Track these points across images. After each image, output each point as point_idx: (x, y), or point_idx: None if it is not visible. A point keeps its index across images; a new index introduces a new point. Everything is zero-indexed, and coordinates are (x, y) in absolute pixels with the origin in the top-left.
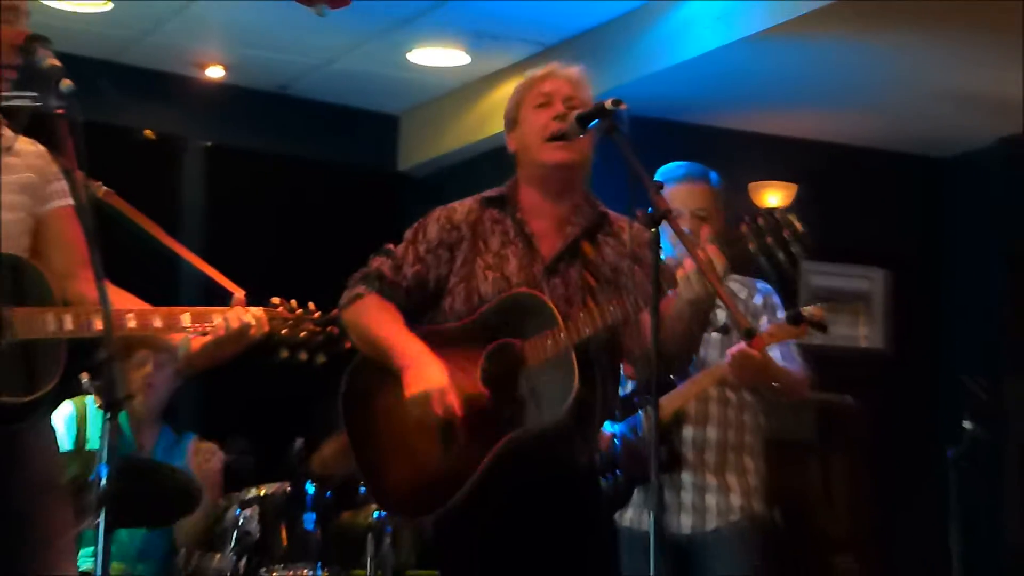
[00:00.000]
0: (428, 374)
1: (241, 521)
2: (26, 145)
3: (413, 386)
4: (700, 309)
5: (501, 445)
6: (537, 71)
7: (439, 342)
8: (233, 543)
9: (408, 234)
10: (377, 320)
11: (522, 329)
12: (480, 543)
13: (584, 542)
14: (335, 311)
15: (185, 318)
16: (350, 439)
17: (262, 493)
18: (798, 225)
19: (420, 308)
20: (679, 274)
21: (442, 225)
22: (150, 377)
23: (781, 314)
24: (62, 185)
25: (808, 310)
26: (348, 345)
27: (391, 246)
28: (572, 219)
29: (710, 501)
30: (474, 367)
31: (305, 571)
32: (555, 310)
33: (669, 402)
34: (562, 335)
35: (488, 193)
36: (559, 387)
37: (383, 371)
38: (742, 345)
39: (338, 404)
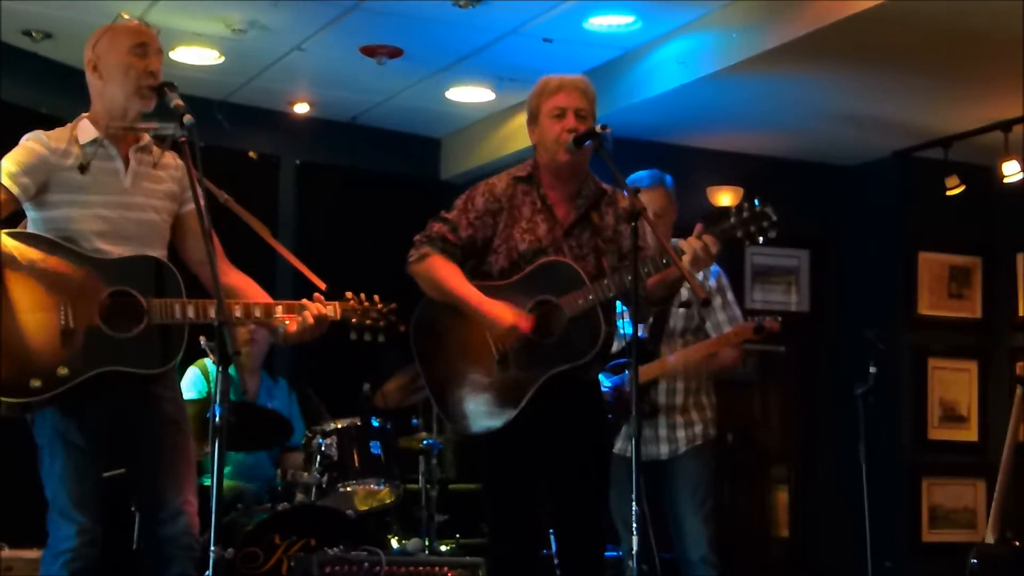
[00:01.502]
0: (501, 313)
1: (323, 447)
2: (170, 159)
3: (496, 323)
4: (698, 264)
5: (545, 379)
6: (553, 79)
7: (491, 295)
8: (318, 463)
9: (459, 203)
10: (445, 274)
11: (556, 288)
12: (517, 446)
13: (593, 439)
14: (394, 304)
15: (279, 309)
16: (419, 363)
17: (339, 426)
18: (773, 215)
19: (468, 260)
20: (689, 241)
21: (486, 197)
22: (253, 332)
23: (731, 295)
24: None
25: (767, 322)
26: (402, 328)
27: (445, 213)
28: (580, 193)
29: (680, 433)
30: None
31: (372, 485)
32: (584, 275)
33: (649, 370)
34: (591, 296)
35: (517, 172)
36: (589, 335)
37: (445, 309)
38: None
39: (409, 333)
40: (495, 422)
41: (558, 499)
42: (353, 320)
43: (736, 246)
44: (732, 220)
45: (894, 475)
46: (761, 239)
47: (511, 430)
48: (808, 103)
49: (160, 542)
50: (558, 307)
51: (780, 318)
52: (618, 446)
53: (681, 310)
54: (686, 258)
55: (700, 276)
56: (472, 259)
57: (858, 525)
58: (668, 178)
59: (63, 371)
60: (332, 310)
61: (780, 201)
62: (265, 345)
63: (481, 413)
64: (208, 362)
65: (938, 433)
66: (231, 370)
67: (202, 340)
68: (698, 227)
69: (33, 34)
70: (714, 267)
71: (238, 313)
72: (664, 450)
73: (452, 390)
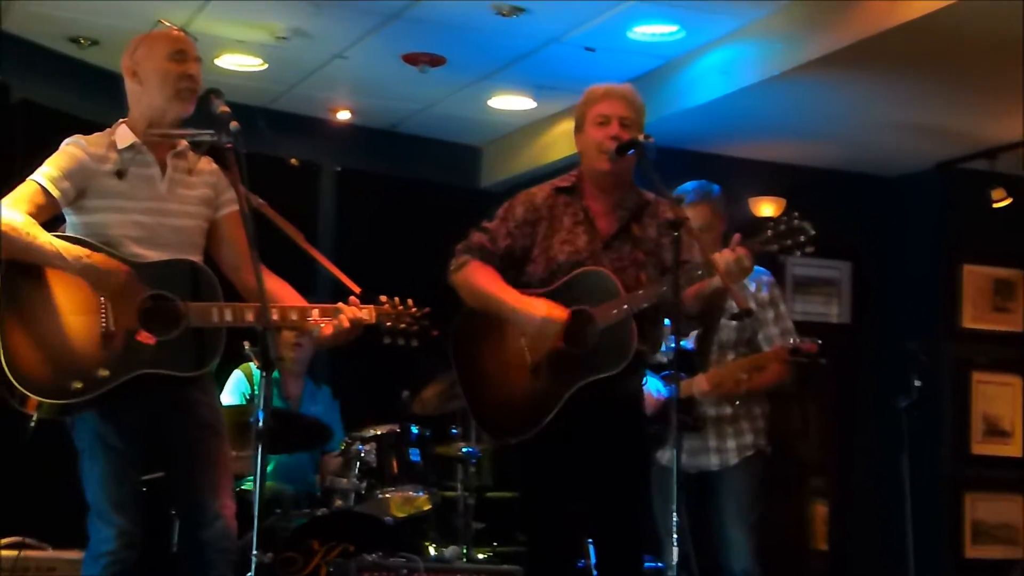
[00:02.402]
0: (536, 308)
1: (362, 453)
2: (204, 165)
3: (531, 316)
4: (731, 276)
5: (577, 387)
6: (598, 88)
7: None
8: (356, 470)
9: (499, 212)
10: (483, 279)
11: (592, 298)
12: (553, 456)
13: (630, 450)
14: (427, 309)
15: (315, 312)
16: (457, 371)
17: (378, 432)
18: (810, 230)
19: (507, 269)
20: (723, 254)
21: (526, 207)
22: (299, 338)
23: (783, 307)
24: (231, 195)
25: (804, 344)
26: (435, 333)
27: (486, 223)
28: (622, 204)
29: (730, 444)
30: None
31: (410, 491)
32: (620, 285)
33: (686, 388)
34: (625, 306)
35: (559, 183)
36: (622, 344)
37: (484, 319)
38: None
39: (449, 342)
40: (526, 431)
41: (596, 509)
42: (387, 324)
43: (776, 257)
44: (768, 233)
45: (936, 489)
46: (798, 253)
47: (546, 439)
48: (851, 113)
49: (199, 546)
50: (592, 317)
51: (820, 341)
52: (666, 456)
53: (732, 322)
54: (719, 270)
55: (753, 287)
56: (512, 270)
57: (898, 539)
58: (716, 189)
59: (103, 373)
60: (367, 314)
61: (822, 212)
62: (310, 351)
63: (513, 422)
64: (253, 366)
65: (981, 448)
66: (274, 374)
67: (245, 345)
68: (735, 238)
69: (80, 41)
70: (767, 278)
71: (275, 317)
72: (714, 461)
73: (486, 399)
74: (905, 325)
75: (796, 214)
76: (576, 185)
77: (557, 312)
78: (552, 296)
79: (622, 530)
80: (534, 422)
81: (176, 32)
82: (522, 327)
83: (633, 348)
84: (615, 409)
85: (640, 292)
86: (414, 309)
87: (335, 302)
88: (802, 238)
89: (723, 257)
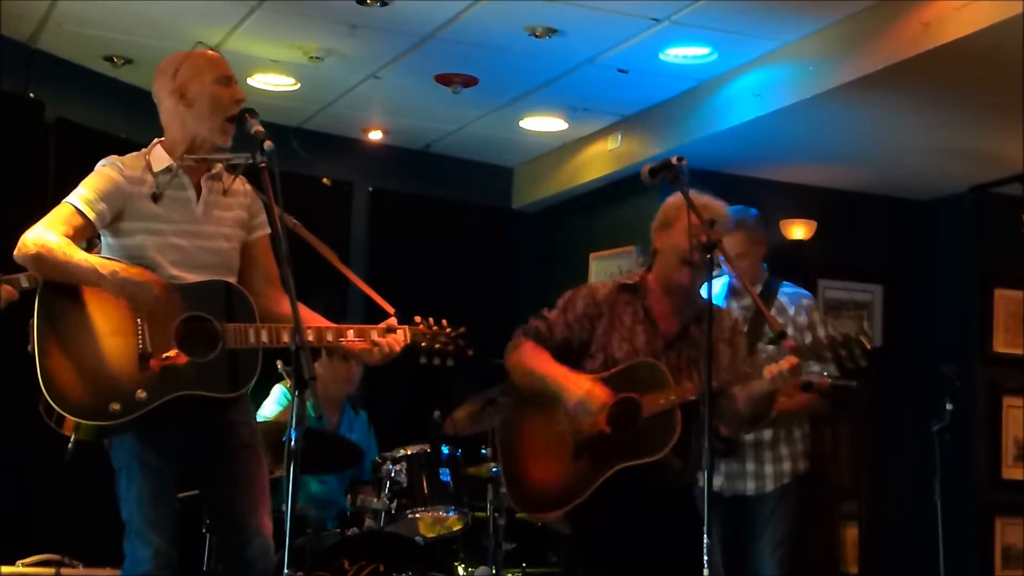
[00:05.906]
0: (579, 384)
1: (393, 473)
2: (239, 185)
3: (572, 394)
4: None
5: (613, 471)
6: (712, 204)
7: None
8: (387, 489)
9: (560, 303)
10: (534, 359)
11: (642, 387)
12: (602, 536)
13: (677, 537)
14: (463, 328)
15: (350, 333)
16: (502, 457)
17: (408, 452)
18: (867, 343)
19: (564, 361)
20: (769, 370)
21: (587, 301)
22: (353, 375)
23: (822, 330)
24: (263, 218)
25: (817, 380)
26: (470, 352)
27: (546, 311)
28: (685, 308)
29: (767, 469)
30: (602, 410)
31: (440, 512)
32: (669, 376)
33: None
34: (672, 397)
35: (623, 280)
36: (664, 434)
37: (529, 406)
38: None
39: (496, 431)
40: (555, 509)
41: None
42: (423, 344)
43: (807, 279)
44: (824, 342)
45: (967, 514)
46: (852, 366)
47: (591, 524)
48: (885, 137)
49: (239, 565)
50: (639, 404)
51: (831, 378)
52: (700, 479)
53: (770, 347)
54: (766, 380)
55: (792, 310)
56: (568, 362)
57: (929, 563)
58: (752, 213)
59: (141, 395)
60: (402, 334)
61: (855, 235)
62: (356, 382)
63: (545, 499)
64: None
65: (1012, 472)
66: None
67: (279, 364)
68: (786, 344)
69: (115, 60)
70: (807, 301)
71: (310, 336)
72: (751, 486)
73: (523, 476)
74: (937, 349)
75: (866, 326)
76: (639, 284)
77: (599, 391)
78: (604, 381)
79: None
80: (565, 501)
81: (215, 54)
82: (564, 401)
83: (675, 436)
84: (658, 497)
85: (689, 385)
86: (448, 329)
87: (368, 322)
88: (857, 351)
89: (774, 367)
